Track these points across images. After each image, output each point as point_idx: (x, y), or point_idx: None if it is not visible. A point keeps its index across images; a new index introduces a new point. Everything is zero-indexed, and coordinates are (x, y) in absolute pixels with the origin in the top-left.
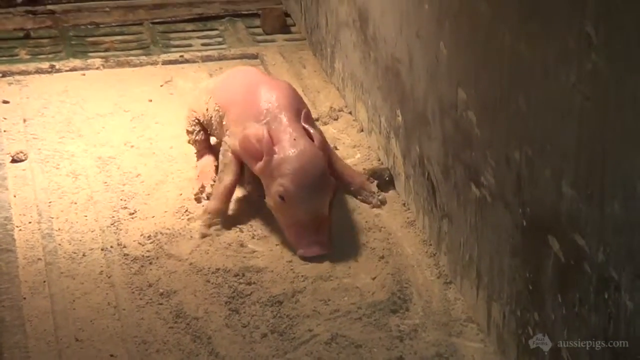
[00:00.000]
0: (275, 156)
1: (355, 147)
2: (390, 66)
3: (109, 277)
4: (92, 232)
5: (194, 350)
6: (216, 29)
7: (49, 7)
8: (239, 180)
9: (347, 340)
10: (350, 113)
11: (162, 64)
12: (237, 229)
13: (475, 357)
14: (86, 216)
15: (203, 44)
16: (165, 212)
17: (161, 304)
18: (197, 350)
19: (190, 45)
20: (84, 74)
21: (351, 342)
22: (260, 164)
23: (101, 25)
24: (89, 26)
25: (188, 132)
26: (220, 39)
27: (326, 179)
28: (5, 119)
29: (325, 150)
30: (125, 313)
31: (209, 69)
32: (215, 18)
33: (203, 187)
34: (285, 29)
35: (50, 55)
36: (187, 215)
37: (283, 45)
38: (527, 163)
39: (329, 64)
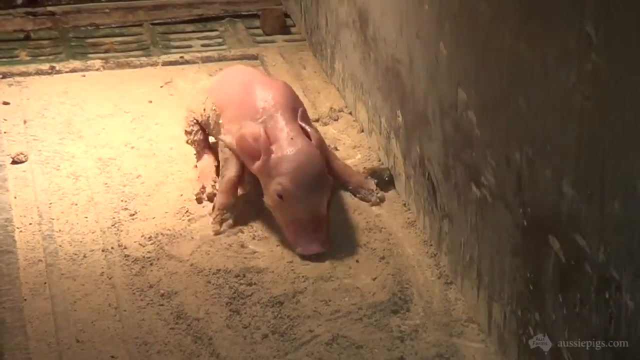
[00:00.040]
0: (273, 155)
1: (355, 147)
2: (391, 67)
3: (109, 279)
4: (92, 233)
5: (195, 351)
6: (216, 30)
7: (49, 8)
8: (242, 173)
9: (348, 341)
10: (350, 113)
11: (162, 65)
12: (238, 230)
13: (476, 358)
14: (87, 217)
15: (203, 45)
16: (166, 213)
17: (162, 305)
18: (198, 351)
19: (190, 46)
20: (84, 75)
21: (352, 342)
22: (258, 163)
23: (101, 27)
24: (89, 27)
25: (186, 132)
26: (220, 40)
27: (324, 178)
28: (5, 120)
29: (323, 148)
30: (126, 314)
31: (209, 70)
32: (215, 19)
33: (204, 187)
34: (285, 29)
35: (50, 57)
36: (188, 216)
37: (283, 46)
38: (527, 163)
39: (329, 65)
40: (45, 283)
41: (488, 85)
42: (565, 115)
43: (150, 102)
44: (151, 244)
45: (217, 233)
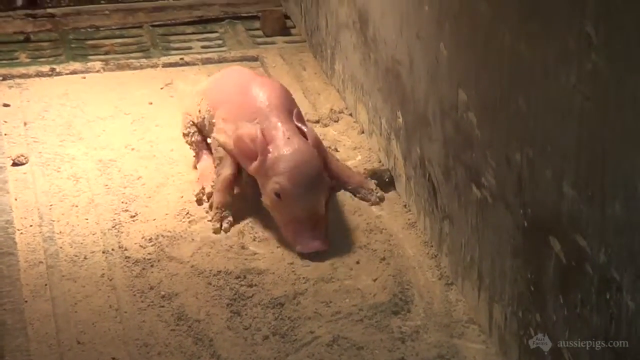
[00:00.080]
0: (270, 155)
1: (356, 148)
2: (391, 68)
3: (110, 280)
4: (93, 235)
5: (196, 353)
6: (216, 32)
7: (49, 10)
8: (237, 171)
9: (349, 342)
10: (350, 115)
11: (162, 67)
12: (238, 231)
13: (477, 359)
14: (87, 219)
15: (203, 47)
16: (167, 214)
17: (163, 306)
18: (199, 353)
19: (190, 48)
20: (84, 77)
21: (353, 344)
22: (255, 164)
23: (101, 28)
24: (89, 29)
25: (184, 134)
26: (220, 42)
27: (321, 177)
28: (5, 122)
29: (320, 148)
30: (126, 316)
31: (209, 72)
32: (215, 20)
33: (203, 188)
34: (285, 31)
35: (50, 59)
36: (188, 217)
37: (283, 47)
38: (527, 164)
39: (329, 66)
40: (46, 285)
41: (488, 85)
42: (565, 116)
43: (151, 103)
44: (152, 245)
45: (217, 232)
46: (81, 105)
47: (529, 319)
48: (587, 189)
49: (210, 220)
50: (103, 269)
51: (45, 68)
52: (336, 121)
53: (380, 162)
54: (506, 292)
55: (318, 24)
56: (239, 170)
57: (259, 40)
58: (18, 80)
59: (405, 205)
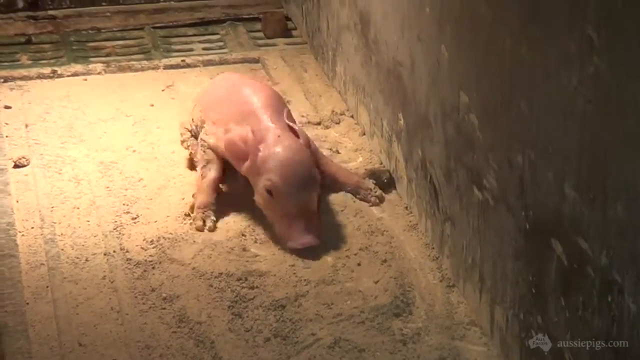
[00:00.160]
0: (260, 154)
1: (357, 150)
2: (392, 69)
3: (111, 282)
4: (94, 237)
5: (197, 355)
6: (217, 33)
7: (50, 12)
8: (222, 175)
9: (350, 344)
10: (352, 117)
11: (164, 69)
12: (240, 234)
13: None
14: (89, 221)
15: (204, 49)
16: (168, 216)
17: (164, 308)
18: (201, 355)
19: (191, 50)
20: (85, 79)
21: (354, 346)
22: (247, 164)
23: (102, 30)
24: (90, 31)
25: (181, 142)
26: (221, 44)
27: (312, 173)
28: (7, 124)
29: (311, 146)
30: (128, 318)
31: (210, 74)
32: (216, 22)
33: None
34: (286, 32)
35: (51, 61)
36: (190, 219)
37: (284, 49)
38: (529, 166)
39: (331, 68)
40: (47, 287)
41: (490, 88)
42: (567, 118)
43: (152, 105)
44: (153, 247)
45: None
46: (82, 107)
47: (531, 321)
48: (588, 191)
49: (192, 221)
50: (104, 271)
51: (47, 70)
52: (337, 123)
53: (381, 163)
54: (508, 295)
55: (319, 25)
56: (223, 173)
57: (260, 42)
58: (19, 82)
59: (406, 207)
